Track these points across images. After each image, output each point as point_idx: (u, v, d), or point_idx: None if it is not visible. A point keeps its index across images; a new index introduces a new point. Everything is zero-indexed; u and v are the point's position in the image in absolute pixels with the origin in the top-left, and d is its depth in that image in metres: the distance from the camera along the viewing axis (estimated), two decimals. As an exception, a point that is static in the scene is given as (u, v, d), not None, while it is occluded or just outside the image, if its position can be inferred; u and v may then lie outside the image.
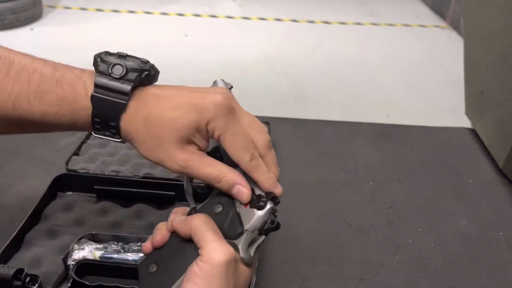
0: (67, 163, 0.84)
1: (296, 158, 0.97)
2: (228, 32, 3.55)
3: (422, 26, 3.81)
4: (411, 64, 3.10)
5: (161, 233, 0.50)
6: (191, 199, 0.53)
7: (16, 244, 0.69)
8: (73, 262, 0.64)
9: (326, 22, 3.76)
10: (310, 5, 4.09)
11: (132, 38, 3.36)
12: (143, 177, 0.80)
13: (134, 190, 0.79)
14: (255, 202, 0.47)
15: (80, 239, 0.68)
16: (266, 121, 1.00)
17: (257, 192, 0.48)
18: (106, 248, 0.68)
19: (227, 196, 0.48)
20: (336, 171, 0.94)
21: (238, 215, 0.47)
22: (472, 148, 1.01)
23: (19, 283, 0.58)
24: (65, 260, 0.65)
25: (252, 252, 0.46)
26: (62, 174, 0.80)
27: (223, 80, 0.53)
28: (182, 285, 0.44)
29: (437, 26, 3.78)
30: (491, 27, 0.96)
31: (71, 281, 0.61)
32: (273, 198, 0.47)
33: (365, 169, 0.95)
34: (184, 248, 0.47)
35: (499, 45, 0.93)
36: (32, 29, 3.40)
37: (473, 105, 1.05)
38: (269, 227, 0.46)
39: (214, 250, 0.44)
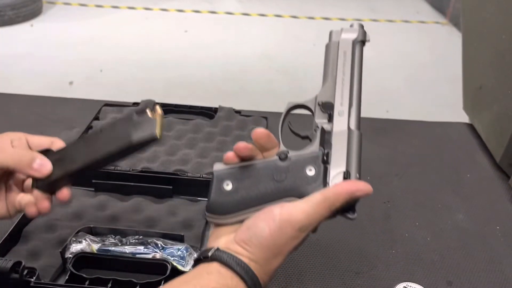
0: (65, 157, 0.84)
1: (294, 153, 0.97)
2: (227, 28, 3.54)
3: (422, 22, 3.81)
4: (411, 60, 3.09)
5: (245, 143, 0.49)
6: (281, 141, 0.52)
7: (14, 237, 0.69)
8: (70, 255, 0.65)
9: (326, 18, 3.75)
10: (309, 1, 4.08)
11: (132, 34, 3.36)
12: (141, 171, 0.81)
13: (132, 184, 0.79)
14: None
15: (78, 232, 0.68)
16: (265, 116, 1.00)
17: (352, 177, 0.47)
18: (103, 241, 0.68)
19: (323, 164, 0.48)
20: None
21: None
22: (470, 143, 1.01)
23: (16, 276, 0.58)
24: (62, 253, 0.65)
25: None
26: (60, 168, 0.80)
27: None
28: (253, 218, 0.45)
29: (437, 23, 3.77)
30: (489, 23, 0.96)
31: (68, 274, 0.62)
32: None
33: (363, 163, 0.94)
34: (269, 182, 0.47)
35: (497, 41, 0.93)
36: (32, 25, 3.39)
37: (471, 100, 1.05)
38: (347, 214, 0.46)
39: (306, 216, 0.44)
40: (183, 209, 0.77)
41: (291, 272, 0.70)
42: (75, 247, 0.66)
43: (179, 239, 0.70)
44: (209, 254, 0.44)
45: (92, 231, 0.70)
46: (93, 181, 0.80)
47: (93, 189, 0.80)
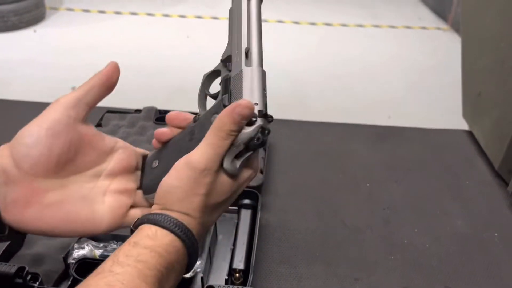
0: (68, 163, 0.85)
1: (294, 159, 0.98)
2: (229, 33, 3.56)
3: (424, 28, 3.82)
4: (412, 66, 3.10)
5: (162, 129, 0.51)
6: (201, 106, 0.53)
7: (18, 242, 0.70)
8: (73, 261, 0.65)
9: (328, 24, 3.77)
10: (311, 7, 4.10)
11: (134, 39, 3.38)
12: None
13: (134, 190, 0.80)
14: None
15: (80, 238, 0.69)
16: (265, 122, 1.01)
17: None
18: (106, 247, 0.69)
19: (223, 107, 0.48)
20: (334, 172, 0.95)
21: None
22: (469, 149, 1.02)
23: (20, 280, 0.59)
24: (65, 258, 0.66)
25: (237, 164, 0.47)
26: (63, 174, 0.81)
27: None
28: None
29: (438, 28, 3.78)
30: (489, 30, 0.97)
31: (71, 279, 0.63)
32: (265, 116, 0.48)
33: (362, 170, 0.96)
34: (185, 144, 0.49)
35: (496, 48, 0.93)
36: (35, 31, 3.42)
37: (470, 107, 1.06)
38: (255, 143, 0.47)
39: (200, 153, 0.45)
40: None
41: (290, 278, 0.70)
42: (78, 253, 0.67)
43: (180, 245, 0.70)
44: (131, 227, 0.45)
45: (95, 237, 0.70)
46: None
47: (95, 195, 0.81)
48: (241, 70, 0.49)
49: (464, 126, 1.12)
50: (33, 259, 0.68)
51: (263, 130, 0.47)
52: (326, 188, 0.91)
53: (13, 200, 0.43)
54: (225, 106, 0.48)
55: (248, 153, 0.48)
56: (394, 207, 0.87)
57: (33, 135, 0.43)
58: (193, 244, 0.44)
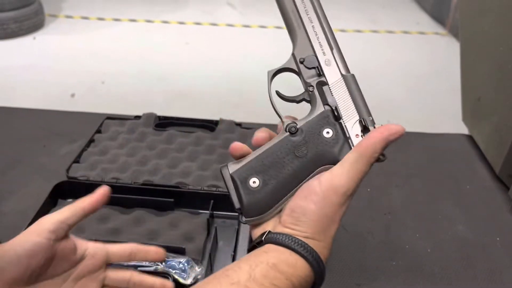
0: (67, 170, 0.85)
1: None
2: (228, 40, 3.57)
3: (422, 33, 3.83)
4: (411, 71, 3.11)
5: (262, 133, 0.49)
6: (278, 113, 0.50)
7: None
8: (73, 268, 0.65)
9: (326, 30, 3.78)
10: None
11: (133, 46, 3.38)
12: (143, 184, 0.81)
13: (134, 197, 0.80)
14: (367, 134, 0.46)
15: None
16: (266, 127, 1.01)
17: (368, 124, 0.47)
18: None
19: (336, 121, 0.47)
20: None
21: (350, 146, 0.47)
22: (469, 154, 1.02)
23: None
24: None
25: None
26: (63, 181, 0.81)
27: None
28: (293, 201, 0.45)
29: (437, 33, 3.80)
30: (487, 35, 0.97)
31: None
32: None
33: (363, 175, 0.95)
34: (293, 161, 0.46)
35: (495, 52, 0.94)
36: (34, 38, 3.43)
37: (470, 112, 1.06)
38: (378, 159, 0.46)
39: (347, 178, 0.44)
40: (185, 222, 0.77)
41: (292, 284, 0.70)
42: None
43: (181, 251, 0.70)
44: (263, 238, 0.44)
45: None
46: (95, 194, 0.80)
47: (95, 202, 0.81)
48: (341, 79, 0.48)
49: (464, 130, 1.12)
50: None
51: None
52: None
53: None
54: (337, 118, 0.47)
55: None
56: (395, 212, 0.86)
57: (14, 255, 0.47)
58: (322, 279, 0.44)
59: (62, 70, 2.97)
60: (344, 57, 0.50)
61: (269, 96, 0.50)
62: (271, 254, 0.42)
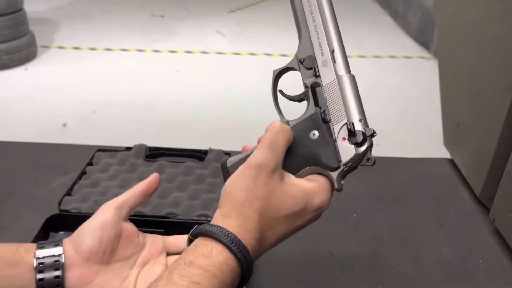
0: (59, 203, 0.87)
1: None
2: (219, 67, 3.63)
3: (408, 57, 3.93)
4: (398, 94, 3.18)
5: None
6: (279, 110, 0.53)
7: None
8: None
9: (314, 56, 3.86)
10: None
11: (124, 75, 3.43)
12: (134, 215, 0.83)
13: (125, 228, 0.81)
14: (355, 138, 0.47)
15: None
16: (253, 156, 1.03)
17: (357, 127, 0.47)
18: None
19: (324, 124, 0.48)
20: (321, 203, 0.97)
21: (335, 149, 0.47)
22: (452, 178, 1.05)
23: None
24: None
25: (342, 182, 0.48)
26: (55, 214, 0.83)
27: None
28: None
29: (421, 57, 3.89)
30: (464, 63, 1.01)
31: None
32: (372, 135, 0.47)
33: (348, 201, 0.98)
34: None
35: (471, 80, 0.98)
36: (26, 69, 3.46)
37: (450, 137, 1.10)
38: (364, 164, 0.47)
39: (258, 151, 0.48)
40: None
41: (280, 311, 0.71)
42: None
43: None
44: (189, 235, 0.49)
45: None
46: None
47: (86, 233, 0.82)
48: (335, 80, 0.48)
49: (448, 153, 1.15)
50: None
51: (371, 149, 0.47)
52: (314, 219, 0.93)
53: (78, 278, 0.53)
54: (325, 120, 0.48)
55: (353, 171, 0.48)
56: (381, 237, 0.88)
57: (88, 229, 0.54)
58: (247, 262, 0.45)
59: (53, 101, 3.00)
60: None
61: (272, 95, 0.52)
62: (190, 251, 0.45)
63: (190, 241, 0.48)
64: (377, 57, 3.90)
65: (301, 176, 0.50)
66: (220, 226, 0.45)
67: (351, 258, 0.83)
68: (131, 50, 3.91)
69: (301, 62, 0.50)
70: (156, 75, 3.45)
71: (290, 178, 0.49)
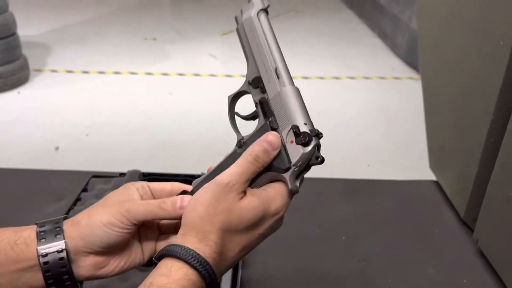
0: (54, 229, 0.88)
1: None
2: (211, 89, 3.67)
3: (397, 78, 4.00)
4: (387, 115, 3.23)
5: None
6: (236, 129, 0.57)
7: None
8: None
9: (305, 78, 3.92)
10: (289, 61, 4.24)
11: (117, 98, 3.45)
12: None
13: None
14: (301, 139, 0.50)
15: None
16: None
17: (302, 129, 0.51)
18: None
19: (272, 130, 0.52)
20: (312, 226, 0.99)
21: (285, 151, 0.51)
22: (437, 199, 1.08)
23: None
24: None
25: (298, 183, 0.51)
26: (50, 240, 0.84)
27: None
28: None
29: (410, 78, 3.96)
30: (447, 89, 1.05)
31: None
32: (317, 135, 0.51)
33: (338, 224, 1.00)
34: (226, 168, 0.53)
35: (453, 106, 1.02)
36: (19, 93, 3.48)
37: (435, 159, 1.13)
38: (314, 162, 0.50)
39: (226, 171, 0.50)
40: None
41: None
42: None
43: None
44: (154, 258, 0.50)
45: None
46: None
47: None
48: (279, 92, 0.52)
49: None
50: None
51: (318, 148, 0.50)
52: (304, 242, 0.95)
53: (91, 265, 0.53)
54: (273, 128, 0.52)
55: (306, 171, 0.51)
56: (369, 258, 0.91)
57: (99, 227, 0.52)
58: (210, 275, 0.46)
59: (46, 124, 3.01)
60: (290, 72, 0.55)
61: (229, 117, 0.58)
62: (151, 274, 0.47)
63: (155, 265, 0.49)
64: (366, 78, 3.97)
65: (258, 185, 0.53)
66: (178, 244, 0.47)
67: (342, 279, 0.85)
68: (124, 73, 3.95)
69: (250, 83, 0.55)
70: (149, 97, 3.48)
71: (249, 190, 0.52)
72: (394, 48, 4.61)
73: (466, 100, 0.94)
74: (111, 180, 1.04)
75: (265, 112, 0.54)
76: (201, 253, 0.46)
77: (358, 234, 0.97)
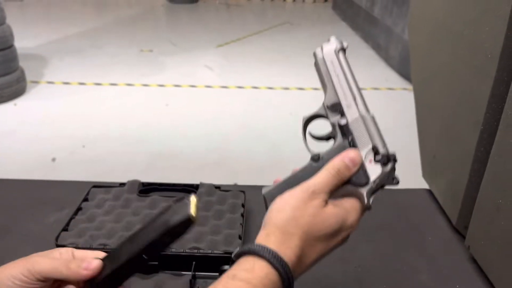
0: (56, 238, 0.90)
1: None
2: (207, 100, 3.70)
3: (391, 89, 4.05)
4: (381, 125, 3.25)
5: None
6: (307, 146, 0.61)
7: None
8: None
9: (301, 89, 3.96)
10: (285, 74, 4.31)
11: (114, 109, 3.48)
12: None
13: (120, 261, 0.85)
14: (381, 158, 0.56)
15: None
16: (242, 190, 1.08)
17: (381, 151, 0.56)
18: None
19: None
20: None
21: (363, 168, 0.56)
22: (430, 207, 1.11)
23: None
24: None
25: (371, 200, 0.55)
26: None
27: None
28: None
29: (404, 89, 4.02)
30: (437, 99, 1.09)
31: None
32: (394, 158, 0.56)
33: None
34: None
35: (443, 116, 1.05)
36: (15, 104, 3.50)
37: (427, 168, 1.16)
38: (390, 183, 0.55)
39: (313, 179, 0.53)
40: (169, 284, 0.83)
41: None
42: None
43: (165, 312, 0.75)
44: (232, 256, 0.51)
45: None
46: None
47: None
48: (358, 117, 0.58)
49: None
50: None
51: (394, 169, 0.56)
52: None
53: None
54: (351, 147, 0.57)
55: (378, 191, 0.56)
56: (365, 265, 0.93)
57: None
58: (288, 278, 0.48)
59: (42, 135, 3.03)
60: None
61: (303, 137, 0.63)
62: (233, 267, 0.49)
63: (232, 263, 0.51)
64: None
65: (336, 196, 0.56)
66: (262, 244, 0.49)
67: (338, 285, 0.87)
68: (120, 84, 3.98)
69: (328, 107, 0.61)
70: (145, 108, 3.51)
71: (331, 200, 0.55)
72: (387, 59, 4.67)
73: (456, 110, 0.97)
74: (111, 190, 1.06)
75: (344, 132, 0.59)
76: (283, 255, 0.49)
77: (355, 242, 0.99)
